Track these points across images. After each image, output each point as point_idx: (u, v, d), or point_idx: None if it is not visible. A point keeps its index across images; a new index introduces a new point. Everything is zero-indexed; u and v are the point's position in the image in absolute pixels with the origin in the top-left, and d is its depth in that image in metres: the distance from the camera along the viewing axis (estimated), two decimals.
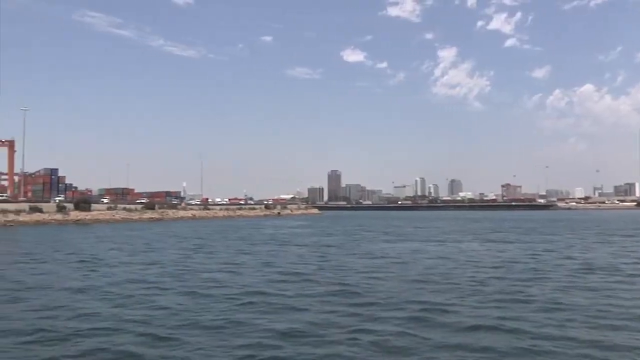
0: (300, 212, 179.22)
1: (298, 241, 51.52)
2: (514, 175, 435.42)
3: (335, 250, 40.39)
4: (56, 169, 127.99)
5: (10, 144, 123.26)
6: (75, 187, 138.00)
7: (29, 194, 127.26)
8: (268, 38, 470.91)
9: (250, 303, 18.42)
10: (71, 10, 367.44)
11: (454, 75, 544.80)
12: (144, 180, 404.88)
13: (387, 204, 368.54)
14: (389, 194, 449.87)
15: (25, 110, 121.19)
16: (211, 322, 15.57)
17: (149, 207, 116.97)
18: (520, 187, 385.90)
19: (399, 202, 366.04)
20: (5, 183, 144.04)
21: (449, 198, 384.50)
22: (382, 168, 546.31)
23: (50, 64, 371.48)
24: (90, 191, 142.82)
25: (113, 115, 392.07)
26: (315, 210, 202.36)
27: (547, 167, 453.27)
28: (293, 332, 14.40)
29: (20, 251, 39.92)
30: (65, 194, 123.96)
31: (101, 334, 14.19)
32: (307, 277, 25.28)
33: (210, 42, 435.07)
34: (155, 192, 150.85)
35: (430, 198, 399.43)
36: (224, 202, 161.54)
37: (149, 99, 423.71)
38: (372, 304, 18.26)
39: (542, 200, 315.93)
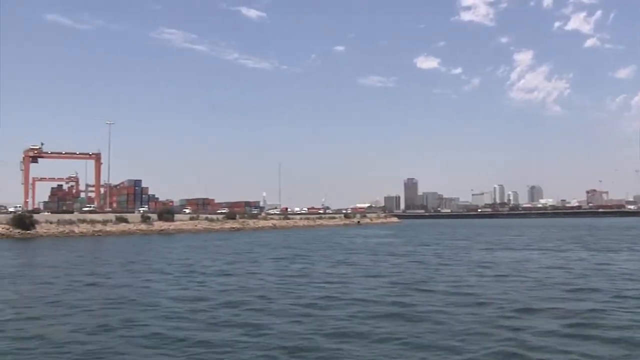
0: (379, 220, 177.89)
1: (391, 250, 50.73)
2: (600, 181, 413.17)
3: (436, 260, 39.32)
4: (140, 180, 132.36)
5: (97, 157, 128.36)
6: (157, 198, 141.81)
7: (114, 205, 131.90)
8: (341, 48, 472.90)
9: (384, 315, 17.87)
10: (150, 28, 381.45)
11: (531, 79, 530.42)
12: (222, 191, 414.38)
13: (466, 211, 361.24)
14: (467, 201, 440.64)
15: (110, 124, 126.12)
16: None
17: (230, 217, 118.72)
18: (606, 192, 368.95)
19: (479, 210, 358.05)
20: (92, 194, 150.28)
21: (529, 205, 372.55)
22: (459, 175, 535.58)
23: (131, 79, 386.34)
24: (172, 202, 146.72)
25: (190, 127, 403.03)
26: (395, 219, 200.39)
27: (637, 170, 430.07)
28: (450, 346, 13.76)
29: (120, 260, 40.88)
30: (148, 204, 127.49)
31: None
32: (421, 287, 24.56)
33: (283, 54, 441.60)
34: (234, 202, 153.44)
35: (511, 205, 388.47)
36: (303, 212, 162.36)
37: (225, 111, 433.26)
38: (508, 316, 17.41)
39: (632, 207, 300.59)
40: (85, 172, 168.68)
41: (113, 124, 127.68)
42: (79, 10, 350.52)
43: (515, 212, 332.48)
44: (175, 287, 25.51)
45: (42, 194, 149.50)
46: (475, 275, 28.98)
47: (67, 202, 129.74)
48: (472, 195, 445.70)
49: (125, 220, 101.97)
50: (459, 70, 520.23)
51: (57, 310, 19.56)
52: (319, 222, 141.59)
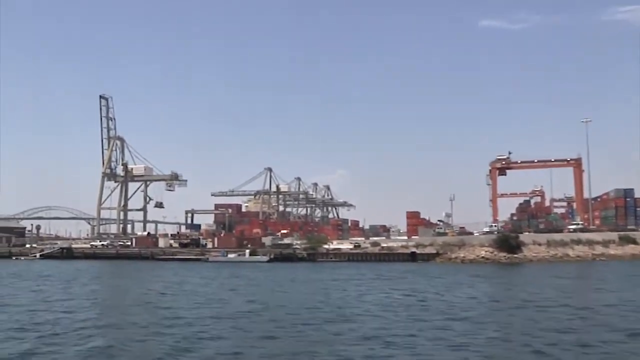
0: None
1: None
2: None
3: None
4: (631, 190, 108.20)
5: (577, 163, 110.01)
6: None
7: (596, 222, 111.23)
8: None
9: None
10: (599, 11, 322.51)
11: None
12: None
13: None
14: None
15: (586, 121, 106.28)
16: None
17: None
18: None
19: None
20: (559, 210, 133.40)
21: None
22: None
23: (591, 73, 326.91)
24: None
25: None
26: None
27: None
28: None
29: None
30: None
31: None
32: None
33: None
34: None
35: None
36: None
37: None
38: None
39: None
40: (550, 184, 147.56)
41: (590, 121, 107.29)
42: (514, 11, 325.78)
43: None
44: None
45: (501, 211, 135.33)
46: None
47: (539, 220, 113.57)
48: None
49: (634, 241, 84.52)
50: None
51: None
52: None
